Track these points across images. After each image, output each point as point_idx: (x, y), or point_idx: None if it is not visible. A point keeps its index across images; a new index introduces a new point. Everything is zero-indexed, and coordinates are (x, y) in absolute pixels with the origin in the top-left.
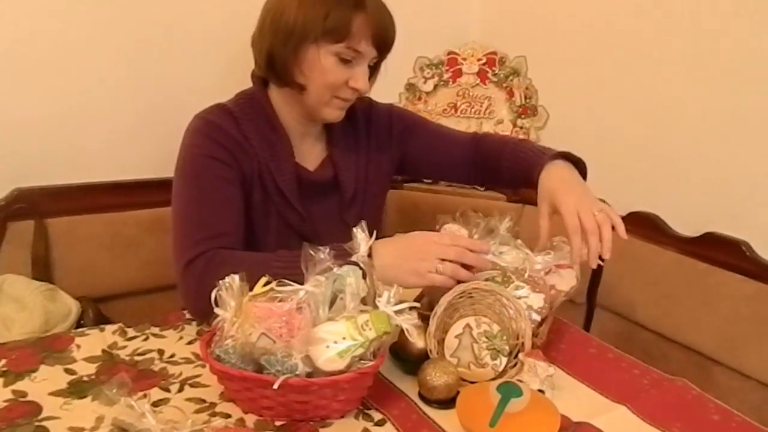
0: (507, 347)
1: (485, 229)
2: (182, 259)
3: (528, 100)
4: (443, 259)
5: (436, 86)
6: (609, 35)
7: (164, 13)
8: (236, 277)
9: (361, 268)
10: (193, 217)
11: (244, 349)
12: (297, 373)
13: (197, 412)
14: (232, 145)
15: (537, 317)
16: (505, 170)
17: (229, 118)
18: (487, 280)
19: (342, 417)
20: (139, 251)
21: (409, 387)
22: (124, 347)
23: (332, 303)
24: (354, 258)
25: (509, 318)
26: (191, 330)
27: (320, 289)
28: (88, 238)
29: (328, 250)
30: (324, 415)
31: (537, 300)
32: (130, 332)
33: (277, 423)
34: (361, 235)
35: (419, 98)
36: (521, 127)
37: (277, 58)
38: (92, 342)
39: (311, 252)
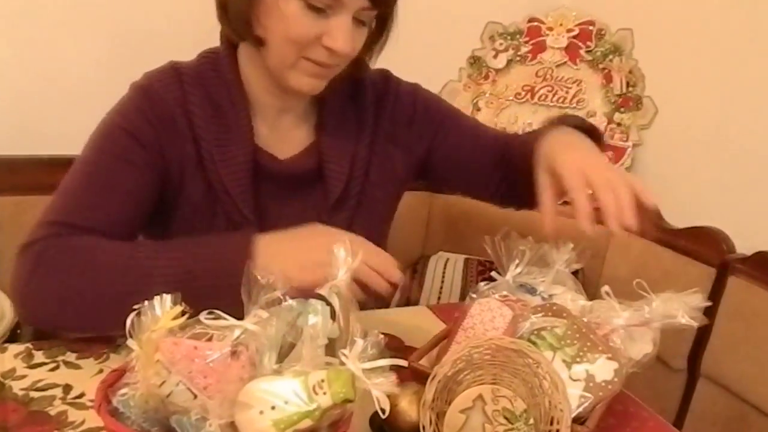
0: None
1: (534, 260)
2: (25, 239)
3: (631, 89)
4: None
5: (509, 62)
6: (750, 10)
7: None
8: (168, 297)
9: (329, 304)
10: (72, 195)
11: (149, 404)
12: None
13: None
14: (163, 122)
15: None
16: (518, 172)
17: (176, 84)
18: (537, 332)
19: None
20: None
21: None
22: (23, 377)
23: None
24: (326, 288)
25: (543, 393)
26: (117, 361)
27: (268, 328)
28: None
29: None
30: None
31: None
32: (38, 356)
33: None
34: (341, 255)
35: (486, 77)
36: (619, 124)
37: (230, 3)
38: None
39: (256, 274)
